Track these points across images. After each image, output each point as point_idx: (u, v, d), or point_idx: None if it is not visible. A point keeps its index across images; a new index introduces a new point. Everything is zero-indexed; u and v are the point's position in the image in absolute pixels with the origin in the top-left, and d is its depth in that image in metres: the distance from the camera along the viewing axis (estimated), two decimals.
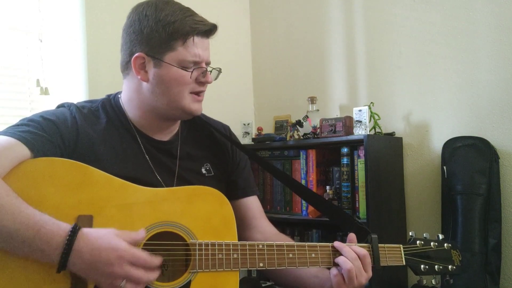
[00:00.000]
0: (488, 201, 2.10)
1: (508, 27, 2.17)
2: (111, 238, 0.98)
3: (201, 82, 1.24)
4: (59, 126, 1.15)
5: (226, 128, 1.45)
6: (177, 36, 1.18)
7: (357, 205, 2.32)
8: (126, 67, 1.25)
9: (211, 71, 1.27)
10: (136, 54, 1.20)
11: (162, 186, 1.22)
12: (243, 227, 1.35)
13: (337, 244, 1.18)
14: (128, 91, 1.27)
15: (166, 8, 1.20)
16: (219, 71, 1.32)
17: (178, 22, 1.18)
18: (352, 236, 1.22)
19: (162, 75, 1.20)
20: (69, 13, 2.26)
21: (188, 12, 1.22)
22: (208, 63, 1.26)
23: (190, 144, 1.34)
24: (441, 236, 1.30)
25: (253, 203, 1.40)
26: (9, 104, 2.15)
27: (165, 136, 1.31)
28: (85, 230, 0.97)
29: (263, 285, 2.24)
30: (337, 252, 1.18)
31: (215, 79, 1.32)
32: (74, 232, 0.95)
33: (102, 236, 0.97)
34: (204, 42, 1.24)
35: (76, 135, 1.17)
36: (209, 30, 1.24)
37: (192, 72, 1.20)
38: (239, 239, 1.15)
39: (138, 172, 1.21)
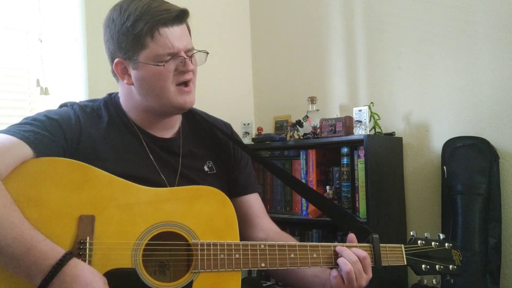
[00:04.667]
0: (488, 201, 2.10)
1: (508, 27, 2.17)
2: (96, 280, 0.96)
3: (182, 71, 1.21)
4: (62, 125, 1.15)
5: (228, 126, 1.45)
6: (144, 33, 1.15)
7: (357, 205, 2.32)
8: (114, 74, 1.25)
9: (191, 57, 1.22)
10: (115, 61, 1.21)
11: (164, 184, 1.22)
12: (244, 225, 1.35)
13: (338, 248, 1.17)
14: (122, 95, 1.29)
15: (129, 7, 1.17)
16: (205, 52, 1.27)
17: (141, 19, 1.15)
18: (352, 236, 1.22)
19: (141, 75, 1.19)
20: (69, 13, 2.27)
21: (152, 4, 1.17)
22: (188, 50, 1.21)
23: (192, 142, 1.34)
24: (442, 236, 1.30)
25: (254, 201, 1.40)
26: (9, 104, 2.15)
27: (166, 133, 1.31)
28: (77, 260, 0.96)
29: (263, 285, 2.24)
30: (338, 253, 1.18)
31: (204, 62, 1.28)
32: (66, 257, 0.94)
33: (89, 273, 0.96)
34: (175, 30, 1.18)
35: (79, 135, 1.17)
36: (175, 17, 1.18)
37: (164, 65, 1.17)
38: (241, 237, 1.16)
39: (141, 170, 1.21)
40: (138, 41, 1.16)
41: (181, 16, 1.19)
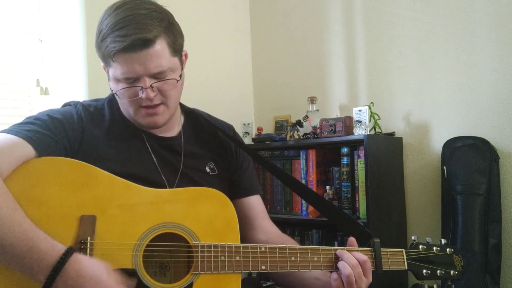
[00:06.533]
0: (488, 201, 2.10)
1: (508, 27, 2.17)
2: (100, 272, 0.96)
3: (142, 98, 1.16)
4: (65, 125, 1.15)
5: (230, 128, 1.45)
6: (107, 53, 1.13)
7: (357, 205, 2.32)
8: None
9: (158, 81, 1.15)
10: (102, 65, 1.21)
11: (164, 183, 1.23)
12: (245, 227, 1.35)
13: (339, 252, 1.17)
14: None
15: (103, 22, 1.14)
16: (174, 79, 1.18)
17: (105, 40, 1.13)
18: (352, 240, 1.21)
19: (112, 88, 1.21)
20: (69, 13, 2.26)
21: (116, 27, 1.10)
22: (153, 75, 1.14)
23: (193, 143, 1.34)
24: (443, 241, 1.29)
25: (256, 203, 1.40)
26: (9, 104, 2.14)
27: (168, 133, 1.31)
28: (78, 256, 0.96)
29: (263, 285, 2.24)
30: (338, 256, 1.17)
31: (174, 87, 1.19)
32: (67, 255, 0.94)
33: (92, 266, 0.96)
34: (132, 57, 1.11)
35: (81, 135, 1.17)
36: (136, 45, 1.10)
37: (118, 91, 1.16)
38: (242, 239, 1.15)
39: (141, 169, 1.21)
40: (105, 58, 1.16)
41: (137, 45, 1.10)
